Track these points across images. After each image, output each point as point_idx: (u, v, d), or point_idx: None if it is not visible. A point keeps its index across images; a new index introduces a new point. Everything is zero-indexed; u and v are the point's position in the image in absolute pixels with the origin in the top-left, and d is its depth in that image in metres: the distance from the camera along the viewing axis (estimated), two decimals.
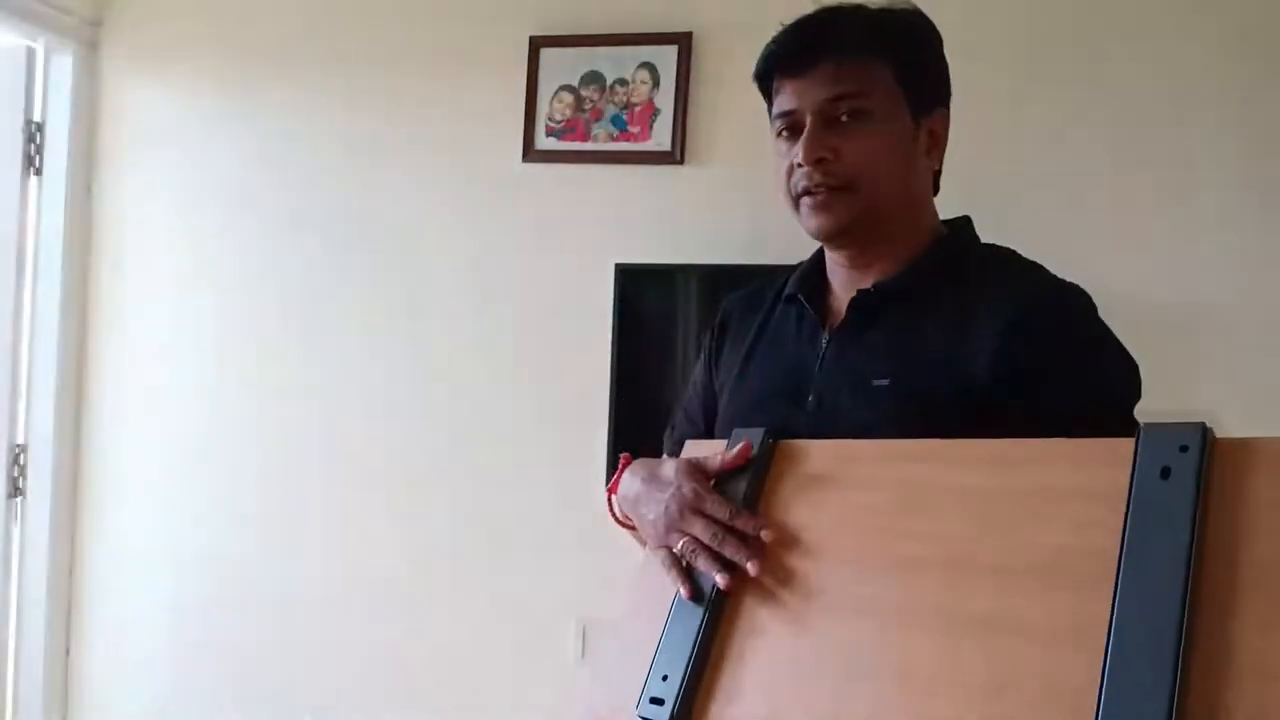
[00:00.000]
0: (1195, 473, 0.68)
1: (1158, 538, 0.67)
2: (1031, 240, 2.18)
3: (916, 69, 1.09)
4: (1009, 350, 0.99)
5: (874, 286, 1.09)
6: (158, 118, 2.78)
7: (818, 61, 1.07)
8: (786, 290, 1.19)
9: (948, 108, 1.13)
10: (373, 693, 2.58)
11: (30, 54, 2.74)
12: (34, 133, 2.73)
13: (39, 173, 2.74)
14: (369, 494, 2.61)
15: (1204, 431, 0.70)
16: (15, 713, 2.74)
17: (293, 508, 2.66)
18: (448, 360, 2.59)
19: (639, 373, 2.42)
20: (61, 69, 2.75)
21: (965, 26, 2.29)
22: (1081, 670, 0.66)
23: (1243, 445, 0.69)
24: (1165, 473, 0.69)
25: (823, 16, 1.09)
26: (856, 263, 1.13)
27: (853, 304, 1.10)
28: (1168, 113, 2.23)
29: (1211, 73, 2.21)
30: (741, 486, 0.94)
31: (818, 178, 1.07)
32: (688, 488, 0.96)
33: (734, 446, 0.97)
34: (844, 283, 1.14)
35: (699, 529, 0.93)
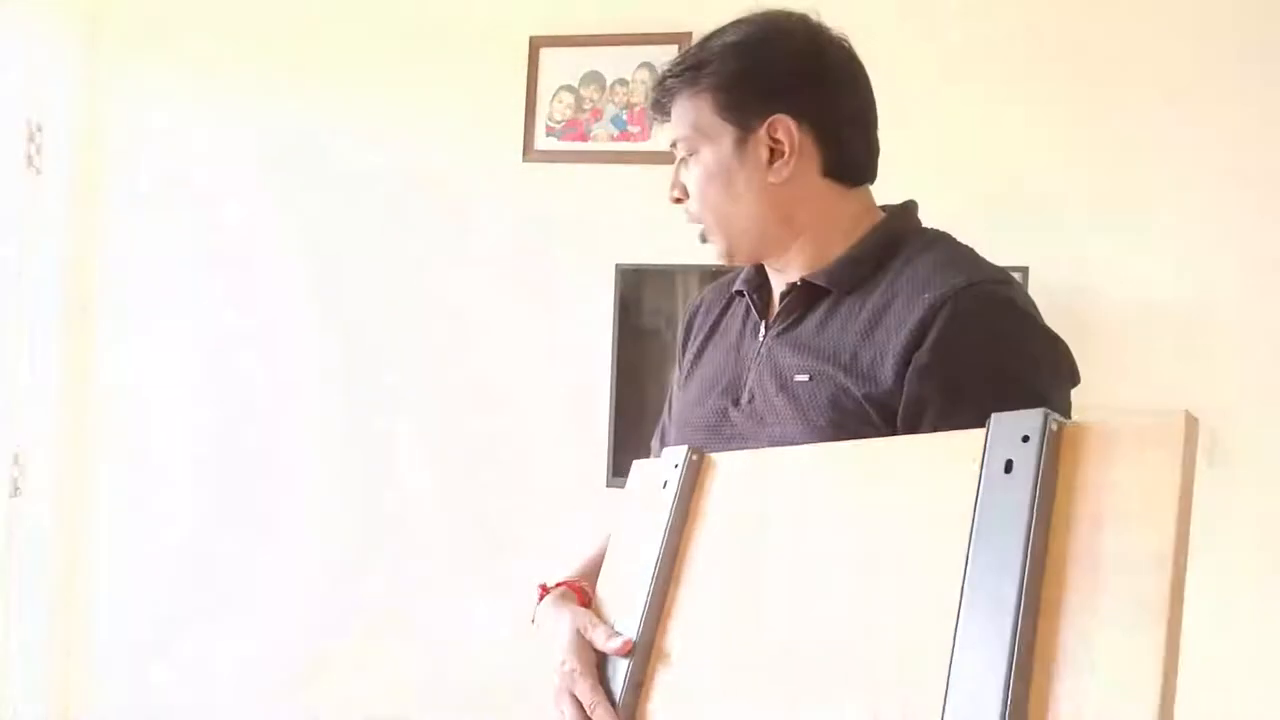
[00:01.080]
0: (1035, 464, 0.65)
1: (998, 536, 0.65)
2: (1031, 239, 2.18)
3: (734, 89, 1.09)
4: (911, 354, 0.97)
5: (800, 280, 1.10)
6: (158, 116, 2.78)
7: (665, 110, 1.14)
8: (735, 285, 1.21)
9: (794, 110, 1.07)
10: (373, 693, 2.58)
11: (30, 53, 2.73)
12: (34, 132, 2.73)
13: (39, 172, 2.74)
14: (369, 493, 2.61)
15: (1045, 418, 0.66)
16: (15, 713, 2.74)
17: (293, 507, 2.66)
18: (448, 360, 2.59)
19: (639, 373, 2.42)
20: (61, 69, 2.75)
21: (968, 26, 2.30)
22: (930, 680, 0.65)
23: (1079, 430, 0.66)
24: (1009, 466, 0.66)
25: (671, 63, 1.14)
26: (775, 267, 1.15)
27: (783, 297, 1.11)
28: (1167, 111, 2.23)
29: (1211, 71, 2.21)
30: (666, 506, 0.95)
31: (687, 215, 1.16)
32: (569, 666, 0.98)
33: (663, 466, 0.99)
34: (778, 278, 1.16)
35: (569, 709, 0.96)
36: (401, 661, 2.58)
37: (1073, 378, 1.01)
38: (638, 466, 1.08)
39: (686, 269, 2.40)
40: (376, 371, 2.63)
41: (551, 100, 2.53)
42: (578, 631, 1.00)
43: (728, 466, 0.95)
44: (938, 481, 0.73)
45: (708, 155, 1.11)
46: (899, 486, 0.76)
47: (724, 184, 1.11)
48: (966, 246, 1.09)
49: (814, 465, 0.86)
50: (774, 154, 1.08)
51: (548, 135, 2.54)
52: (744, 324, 1.18)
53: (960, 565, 0.66)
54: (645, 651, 0.91)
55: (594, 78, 2.51)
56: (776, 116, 1.07)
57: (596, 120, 2.51)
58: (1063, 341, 1.01)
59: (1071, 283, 2.14)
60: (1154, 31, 2.24)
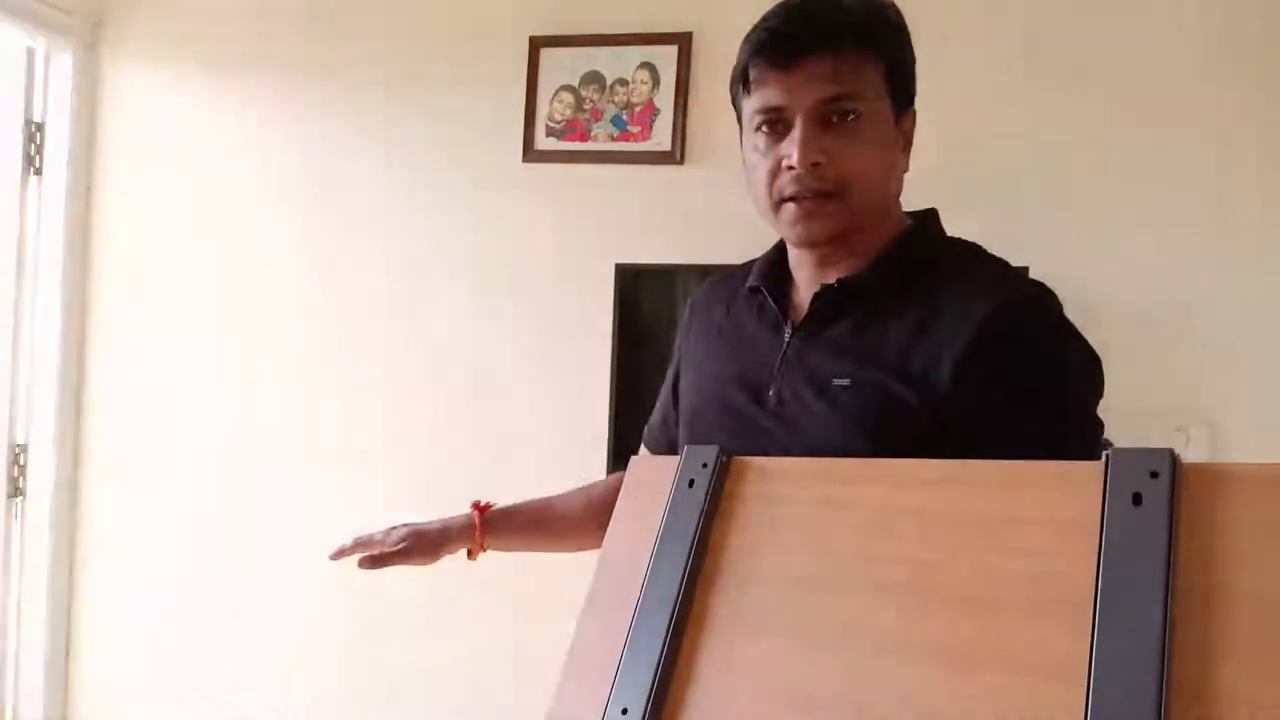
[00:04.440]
0: (1168, 499, 0.67)
1: (1134, 566, 0.66)
2: (1031, 239, 2.18)
3: (901, 68, 1.07)
4: (972, 361, 0.97)
5: (837, 282, 1.07)
6: (158, 117, 2.78)
7: (810, 56, 1.00)
8: (749, 282, 1.17)
9: (914, 105, 1.11)
10: (374, 695, 2.58)
11: (30, 54, 2.73)
12: (34, 133, 2.73)
13: (39, 173, 2.74)
14: (370, 494, 2.61)
15: (1173, 457, 0.69)
16: (15, 713, 2.74)
17: (294, 507, 2.66)
18: (447, 360, 2.59)
19: (639, 373, 2.42)
20: (61, 69, 2.75)
21: (968, 22, 2.30)
22: (1063, 702, 0.66)
23: (1212, 471, 0.68)
24: (1137, 499, 0.68)
25: (816, 7, 1.02)
26: (824, 261, 1.10)
27: (815, 299, 1.08)
28: (1168, 111, 2.22)
29: (1210, 71, 2.20)
30: (696, 507, 0.91)
31: (809, 182, 1.03)
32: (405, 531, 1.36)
33: (688, 464, 0.94)
34: (808, 278, 1.12)
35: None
36: (402, 662, 2.58)
37: (1103, 391, 1.03)
38: (637, 463, 1.06)
39: (686, 269, 2.40)
40: (375, 370, 2.63)
41: (551, 100, 2.53)
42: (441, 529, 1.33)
43: (774, 471, 0.92)
44: (1054, 508, 0.73)
45: (879, 123, 1.05)
46: (1007, 511, 0.76)
47: (888, 158, 1.07)
48: (1001, 258, 1.10)
49: (903, 481, 0.84)
50: (905, 145, 1.09)
51: (548, 135, 2.53)
52: (759, 321, 1.15)
53: (1087, 595, 0.67)
54: (673, 652, 0.87)
55: (594, 78, 2.51)
56: (912, 108, 1.09)
57: (596, 120, 2.51)
58: (1098, 356, 1.03)
59: (1071, 282, 2.13)
60: (1155, 32, 2.24)
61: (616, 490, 1.35)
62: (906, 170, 1.12)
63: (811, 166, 1.02)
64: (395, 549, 1.32)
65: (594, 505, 1.36)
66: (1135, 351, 2.12)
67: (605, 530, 1.20)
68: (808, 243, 1.08)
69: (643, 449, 1.37)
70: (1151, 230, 2.22)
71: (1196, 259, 2.20)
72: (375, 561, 1.32)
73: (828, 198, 1.03)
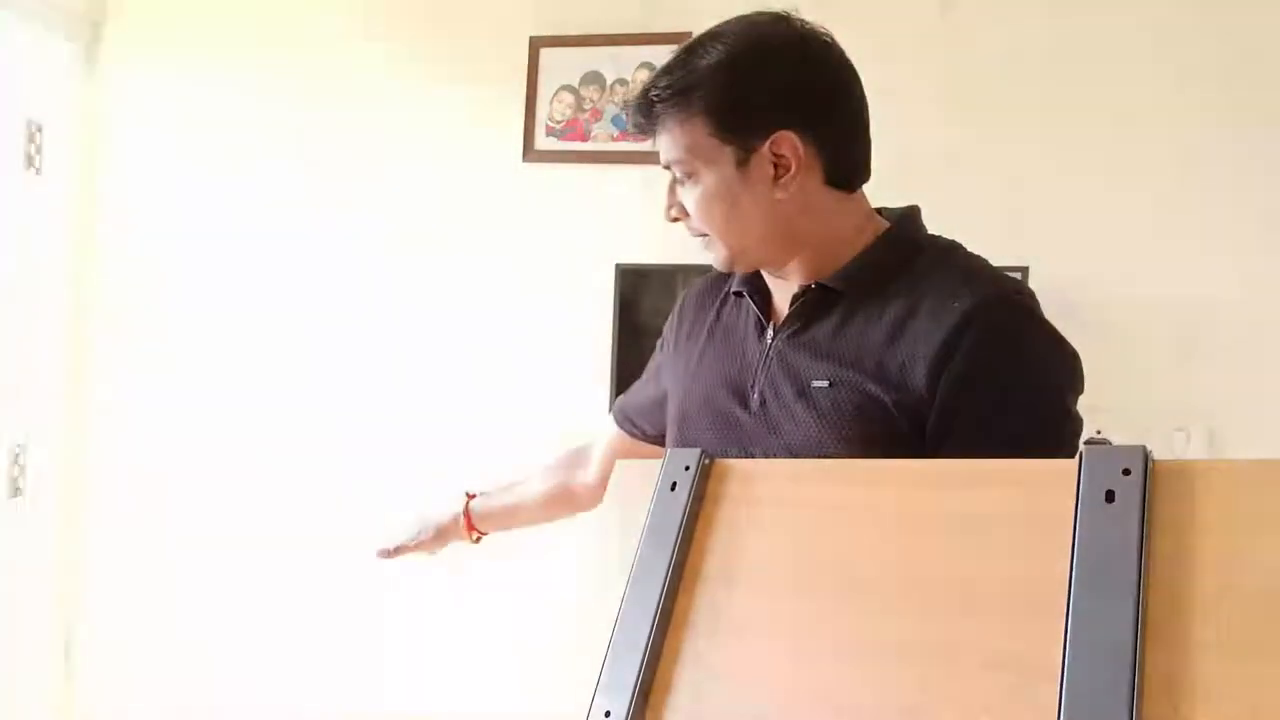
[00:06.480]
0: (1140, 496, 0.68)
1: (1106, 562, 0.67)
2: (1031, 239, 2.18)
3: (730, 110, 1.05)
4: (948, 361, 0.98)
5: (815, 284, 1.09)
6: (158, 117, 2.78)
7: (652, 131, 1.11)
8: (734, 286, 1.20)
9: (794, 124, 1.05)
10: (376, 695, 2.58)
11: (30, 54, 2.73)
12: (34, 132, 2.73)
13: (39, 172, 2.74)
14: (369, 494, 2.61)
15: (1145, 454, 0.70)
16: (16, 714, 2.74)
17: (294, 508, 2.66)
18: (448, 360, 2.59)
19: (639, 373, 2.41)
20: (61, 69, 2.75)
21: (970, 20, 2.30)
22: (1036, 699, 0.66)
23: (1182, 469, 0.69)
24: (1109, 496, 0.69)
25: (645, 87, 1.11)
26: (776, 275, 1.14)
27: (794, 301, 1.10)
28: (1166, 111, 2.23)
29: (1213, 70, 2.21)
30: (679, 509, 0.91)
31: (688, 230, 1.14)
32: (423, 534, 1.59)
33: (671, 467, 0.94)
34: (779, 286, 1.14)
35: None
36: (402, 662, 2.58)
37: (1082, 388, 1.03)
38: (621, 466, 1.07)
39: (686, 269, 2.40)
40: (375, 370, 2.63)
41: (551, 100, 2.53)
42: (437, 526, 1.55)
43: (754, 473, 0.92)
44: (1028, 506, 0.74)
45: (708, 178, 1.08)
46: (982, 509, 0.76)
47: (728, 205, 1.08)
48: (979, 256, 1.09)
49: (882, 482, 0.84)
50: (779, 169, 1.06)
51: (548, 135, 2.54)
52: (746, 323, 1.17)
53: (1060, 590, 0.68)
54: (656, 654, 0.86)
55: (594, 78, 2.51)
56: (780, 133, 1.05)
57: (596, 120, 2.51)
58: (1077, 353, 1.03)
59: (1071, 282, 2.14)
60: (1152, 33, 2.24)
61: (565, 468, 1.50)
62: (805, 192, 1.07)
63: (673, 220, 1.15)
64: (412, 544, 1.61)
65: (549, 485, 1.53)
66: (1135, 352, 2.12)
67: (567, 506, 1.50)
68: (722, 269, 1.16)
69: (610, 423, 1.43)
70: (1152, 231, 2.22)
71: (1197, 260, 2.20)
72: (391, 553, 1.59)
73: (703, 238, 1.13)
